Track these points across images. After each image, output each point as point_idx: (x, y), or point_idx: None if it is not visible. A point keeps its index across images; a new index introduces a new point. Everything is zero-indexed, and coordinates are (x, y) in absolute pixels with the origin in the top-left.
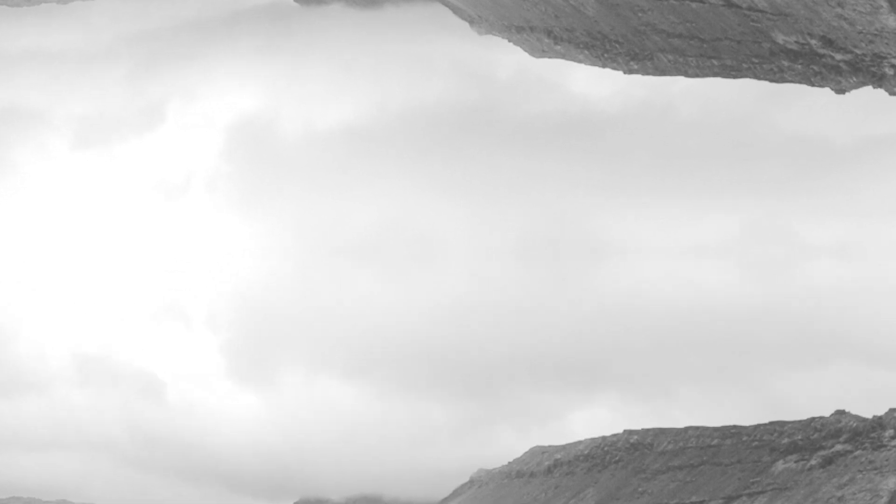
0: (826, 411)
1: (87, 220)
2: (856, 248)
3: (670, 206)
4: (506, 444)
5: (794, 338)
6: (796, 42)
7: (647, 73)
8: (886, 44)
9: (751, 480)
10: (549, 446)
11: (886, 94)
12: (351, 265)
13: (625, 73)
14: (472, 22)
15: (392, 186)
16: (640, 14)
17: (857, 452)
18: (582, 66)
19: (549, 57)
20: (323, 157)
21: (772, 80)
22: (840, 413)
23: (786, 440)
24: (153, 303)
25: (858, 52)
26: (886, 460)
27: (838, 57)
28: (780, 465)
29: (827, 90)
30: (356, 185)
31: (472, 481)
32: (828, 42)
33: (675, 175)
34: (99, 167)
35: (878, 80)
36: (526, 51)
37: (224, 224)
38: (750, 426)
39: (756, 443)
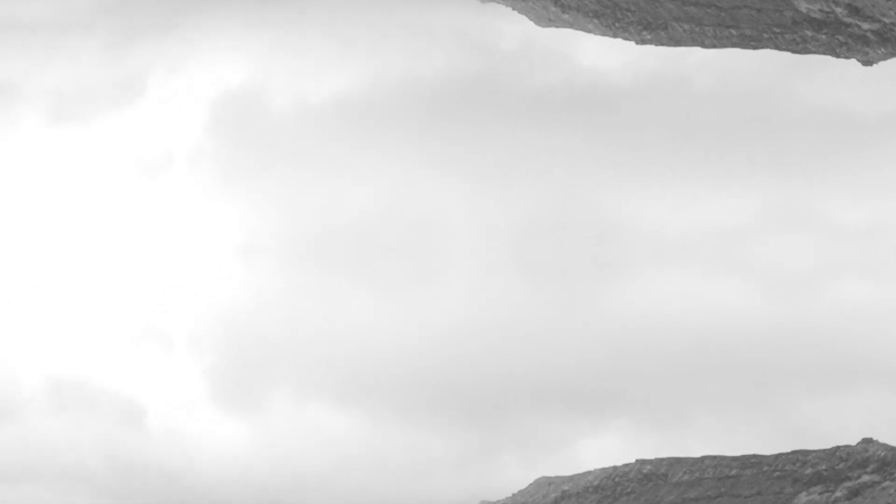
0: (852, 440)
1: (62, 207)
2: (885, 230)
3: (685, 184)
4: (510, 475)
5: (819, 361)
6: (820, 10)
7: (661, 44)
8: None
9: None
10: (557, 477)
11: None
12: (345, 265)
13: (637, 43)
14: None
15: (389, 164)
16: None
17: (886, 483)
18: (591, 36)
19: (557, 26)
20: (315, 132)
21: (794, 52)
22: (867, 441)
23: (809, 470)
24: (132, 324)
25: (887, 20)
26: None
27: (865, 26)
28: (803, 497)
29: (853, 61)
30: (350, 162)
31: None
32: (854, 10)
33: (691, 152)
34: (75, 143)
35: None
36: (531, 20)
37: (207, 208)
38: (771, 455)
39: (777, 473)
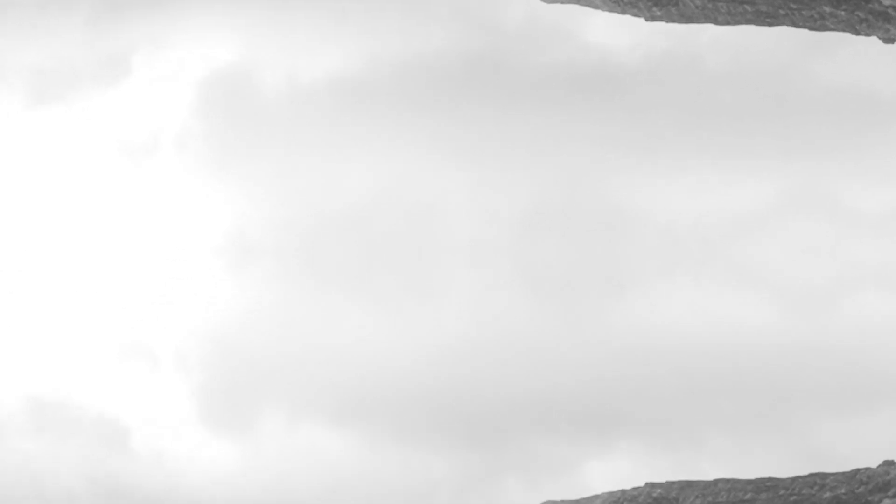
0: (873, 462)
1: (40, 195)
2: None
3: (697, 168)
4: (513, 499)
5: (838, 377)
6: None
7: (672, 21)
8: None
9: None
10: (562, 501)
11: None
12: (340, 262)
13: (647, 20)
14: None
15: (386, 146)
16: None
17: None
18: (599, 12)
19: (562, 2)
20: (308, 113)
21: (812, 28)
22: (889, 464)
23: (828, 494)
24: (116, 339)
25: None
26: None
27: (886, 2)
28: None
29: (874, 39)
30: (346, 145)
31: None
32: None
33: (703, 135)
34: (55, 125)
35: None
36: None
37: (195, 193)
38: (787, 478)
39: (794, 497)
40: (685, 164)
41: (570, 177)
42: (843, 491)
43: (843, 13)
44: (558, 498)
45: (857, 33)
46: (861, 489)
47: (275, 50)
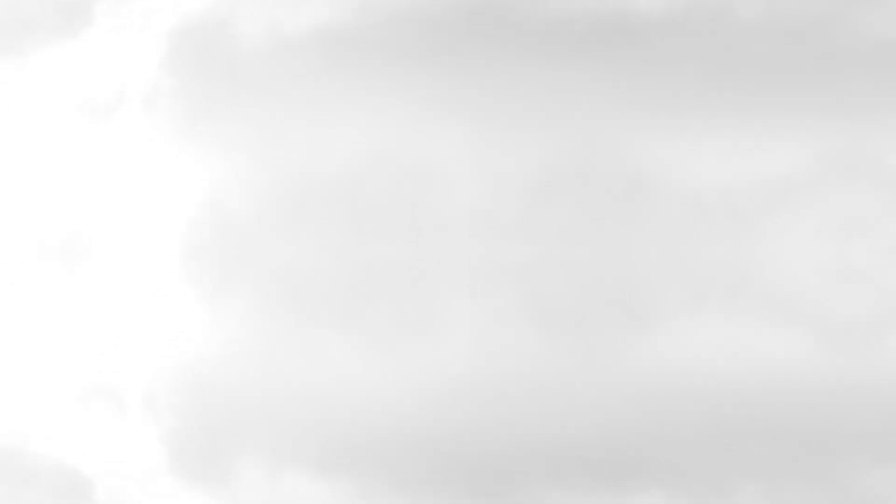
0: None
1: None
2: None
3: (727, 131)
4: None
5: (886, 420)
6: None
7: None
8: None
9: None
10: None
11: None
12: (327, 256)
13: None
14: None
15: (378, 105)
16: None
17: None
18: None
19: None
20: (291, 67)
21: None
22: None
23: None
24: (76, 377)
25: None
26: None
27: None
28: None
29: None
30: (333, 103)
31: None
32: None
33: (734, 94)
34: (6, 81)
35: None
36: None
37: (164, 156)
38: None
39: None
40: (713, 125)
41: (585, 138)
42: None
43: None
44: None
45: None
46: None
47: None
